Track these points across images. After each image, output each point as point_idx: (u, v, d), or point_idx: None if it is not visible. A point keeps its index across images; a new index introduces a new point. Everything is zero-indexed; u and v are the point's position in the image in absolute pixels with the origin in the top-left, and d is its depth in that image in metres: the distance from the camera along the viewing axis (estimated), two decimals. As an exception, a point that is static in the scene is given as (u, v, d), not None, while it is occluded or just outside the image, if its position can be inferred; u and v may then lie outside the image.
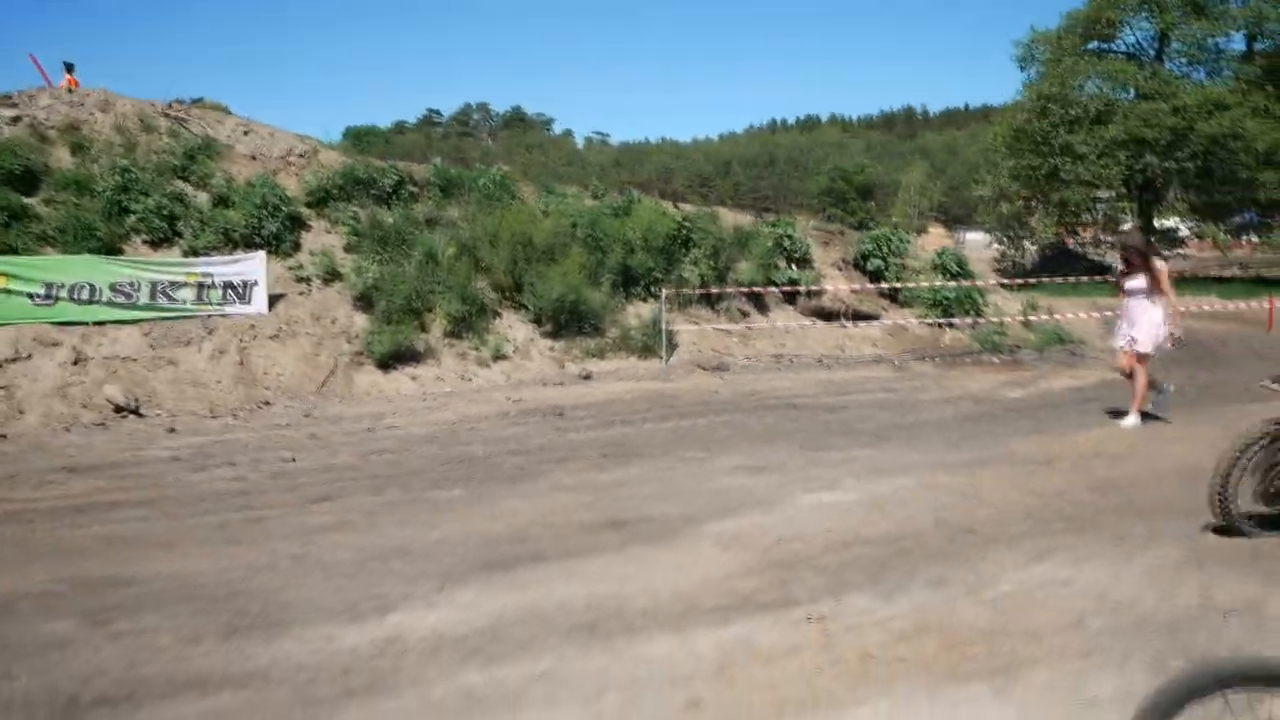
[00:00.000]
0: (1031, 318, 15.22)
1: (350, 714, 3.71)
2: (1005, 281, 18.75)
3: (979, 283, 16.27)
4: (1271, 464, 5.14)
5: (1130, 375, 8.84)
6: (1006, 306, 15.95)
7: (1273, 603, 4.63)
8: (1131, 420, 8.79)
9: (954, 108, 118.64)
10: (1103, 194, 31.20)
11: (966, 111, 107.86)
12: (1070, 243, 33.27)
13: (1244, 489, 5.20)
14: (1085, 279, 19.65)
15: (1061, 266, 25.83)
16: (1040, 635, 4.39)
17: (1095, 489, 6.73)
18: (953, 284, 15.49)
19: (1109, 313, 16.30)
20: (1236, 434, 5.24)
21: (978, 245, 32.07)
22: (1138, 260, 8.70)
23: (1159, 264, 8.84)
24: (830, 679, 3.99)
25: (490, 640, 4.41)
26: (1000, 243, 33.68)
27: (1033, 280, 17.88)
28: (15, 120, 14.06)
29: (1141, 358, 8.70)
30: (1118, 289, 9.22)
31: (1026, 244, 33.18)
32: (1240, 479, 5.15)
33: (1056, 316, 15.68)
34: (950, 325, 15.28)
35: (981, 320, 15.07)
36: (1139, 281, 8.65)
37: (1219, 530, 5.19)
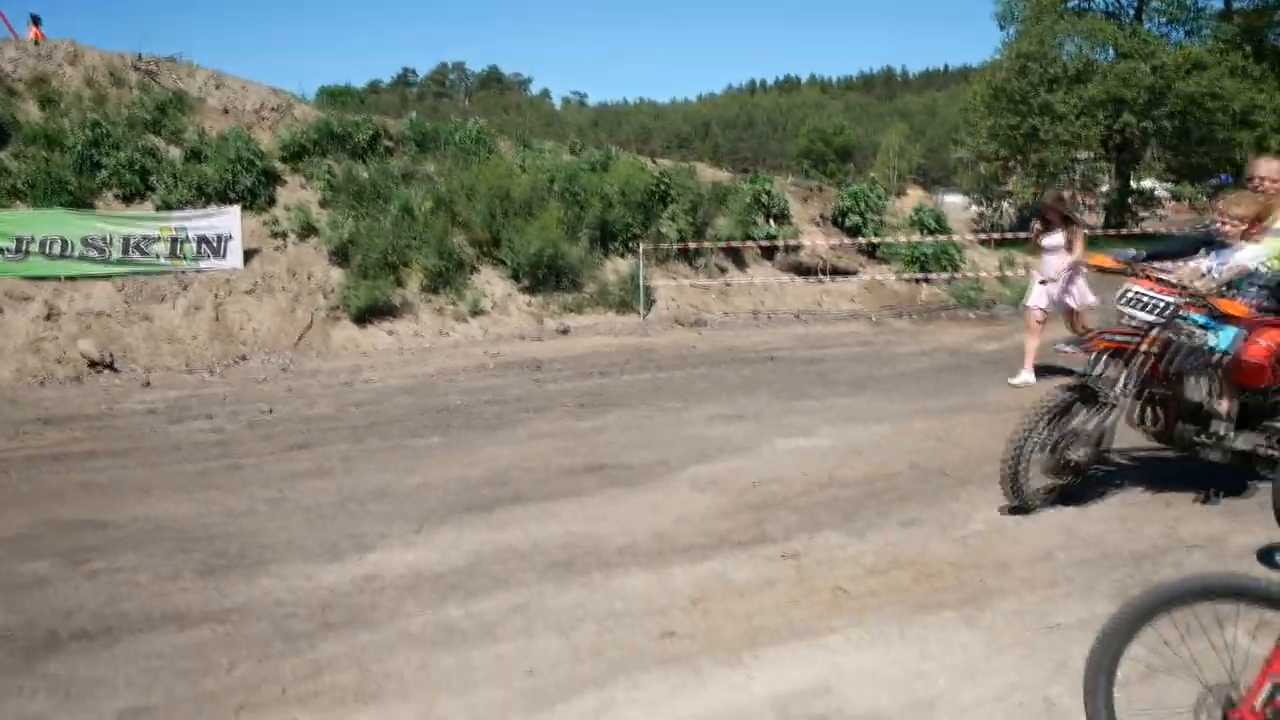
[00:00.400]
0: (1008, 274, 15.30)
1: (329, 646, 3.76)
2: (983, 237, 18.81)
3: (956, 238, 16.31)
4: (1061, 436, 4.97)
5: (1077, 330, 8.81)
6: (983, 263, 16.02)
7: (1235, 538, 4.77)
8: (1024, 376, 8.74)
9: (934, 69, 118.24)
10: (1081, 155, 31.30)
11: (946, 73, 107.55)
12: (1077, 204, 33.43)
13: (1035, 464, 5.00)
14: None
15: (1038, 227, 26.02)
16: (1009, 568, 4.50)
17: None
18: (930, 240, 15.53)
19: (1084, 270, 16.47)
20: (1024, 410, 5.03)
21: (956, 208, 32.08)
22: (1055, 219, 8.92)
23: (1076, 224, 9.10)
24: (803, 610, 4.08)
25: (468, 577, 4.46)
26: (979, 204, 33.77)
27: (1010, 236, 17.93)
28: (-20, 72, 13.71)
29: (1080, 314, 8.73)
30: (1034, 247, 9.46)
31: (1005, 205, 33.30)
32: (1031, 455, 4.95)
33: (1034, 273, 15.76)
34: (927, 281, 15.35)
35: (958, 276, 15.13)
36: (1055, 239, 8.82)
37: (1014, 510, 5.01)
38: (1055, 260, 8.82)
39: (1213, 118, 27.74)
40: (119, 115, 13.74)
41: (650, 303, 13.71)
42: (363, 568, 4.58)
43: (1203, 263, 5.26)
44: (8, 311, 11.05)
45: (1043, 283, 8.83)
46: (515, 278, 13.56)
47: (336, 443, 7.16)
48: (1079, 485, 5.27)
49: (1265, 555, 4.50)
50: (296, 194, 13.83)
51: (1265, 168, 5.71)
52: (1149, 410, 5.21)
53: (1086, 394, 4.99)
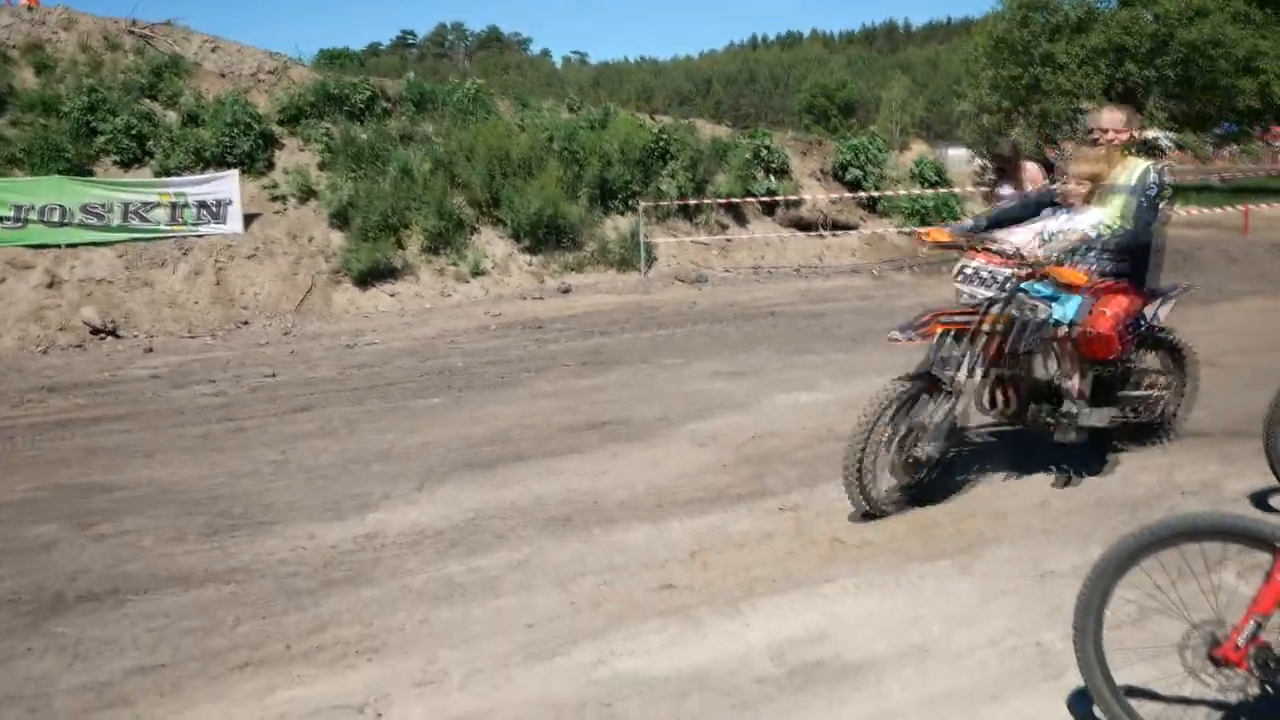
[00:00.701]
0: (1011, 226, 15.20)
1: (332, 603, 3.81)
2: (985, 189, 18.64)
3: (957, 190, 16.18)
4: (906, 431, 4.45)
5: None
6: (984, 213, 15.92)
7: (1230, 483, 4.79)
8: None
9: (936, 21, 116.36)
10: (1084, 105, 30.87)
11: (949, 25, 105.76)
12: (1052, 154, 33.04)
13: (882, 463, 4.45)
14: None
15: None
16: (1005, 517, 4.53)
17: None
18: (931, 192, 15.41)
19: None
20: (863, 408, 4.42)
21: (960, 162, 31.74)
22: (1009, 168, 8.23)
23: (1030, 170, 8.71)
24: (801, 561, 4.12)
25: (469, 534, 4.51)
26: (981, 157, 33.41)
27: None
28: (-27, 39, 13.59)
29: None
30: (992, 199, 8.98)
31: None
32: (876, 454, 4.38)
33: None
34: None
35: (961, 229, 15.05)
36: (1010, 190, 8.18)
37: (866, 516, 4.46)
38: None
39: (1215, 65, 27.25)
40: (115, 80, 13.64)
41: (651, 260, 13.67)
42: (365, 526, 4.63)
43: (1049, 224, 4.74)
44: (10, 280, 11.06)
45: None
46: (516, 237, 13.52)
47: (339, 404, 7.20)
48: (935, 478, 4.72)
49: (1259, 500, 4.53)
50: (295, 157, 13.75)
51: (1108, 118, 5.05)
52: (998, 393, 4.85)
53: (928, 382, 4.49)
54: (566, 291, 12.68)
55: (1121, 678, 2.63)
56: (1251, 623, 2.35)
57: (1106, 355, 4.70)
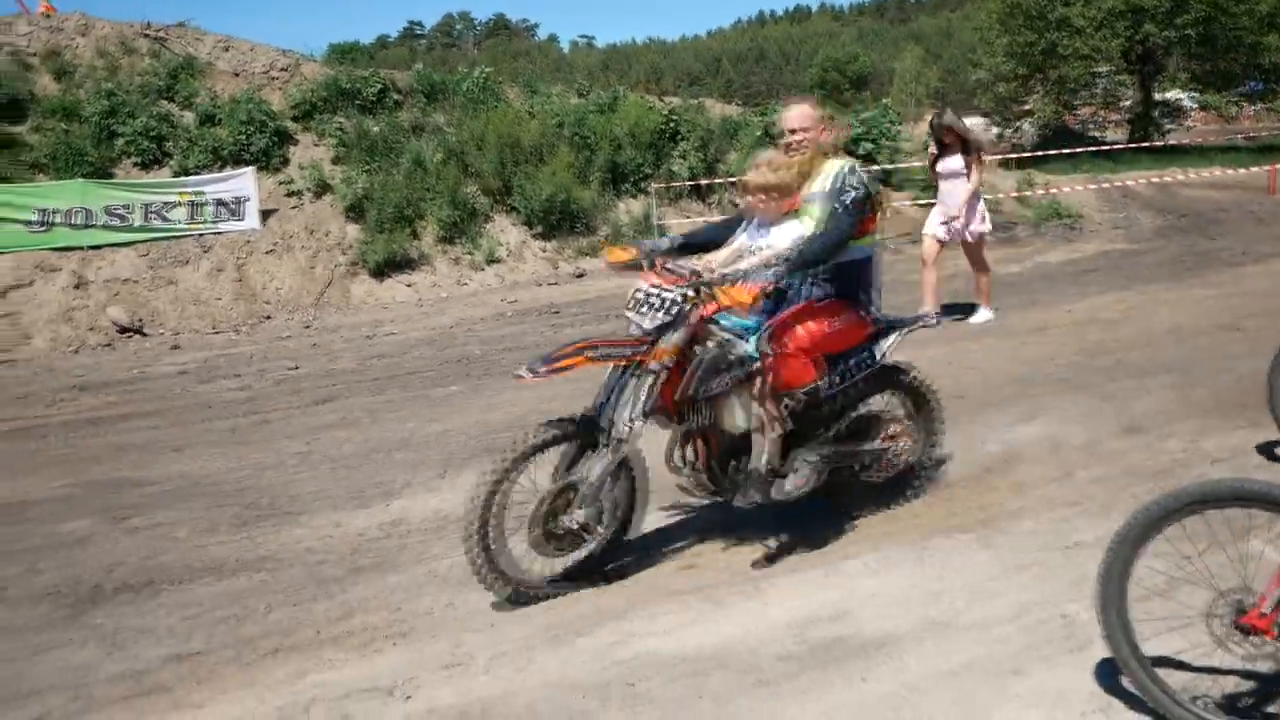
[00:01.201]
0: (1027, 193, 15.03)
1: (360, 589, 3.88)
2: (1001, 156, 18.43)
3: (973, 161, 15.99)
4: (551, 494, 3.52)
5: (930, 265, 8.29)
6: (1002, 184, 15.74)
7: (1259, 450, 4.73)
8: (983, 315, 8.26)
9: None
10: (1102, 69, 30.35)
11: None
12: (1071, 121, 32.50)
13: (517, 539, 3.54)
14: (1083, 151, 19.23)
15: (1061, 146, 25.38)
16: (1028, 488, 4.50)
17: (1086, 352, 6.80)
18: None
19: (1106, 184, 16.15)
20: (485, 464, 3.62)
21: (976, 130, 31.37)
22: (952, 140, 8.12)
23: (975, 142, 8.29)
24: (819, 538, 4.13)
25: (493, 518, 4.55)
26: (997, 125, 32.98)
27: (1028, 155, 17.54)
28: (-4, 48, 13.78)
29: (976, 244, 8.19)
30: (930, 172, 8.63)
31: (1025, 125, 32.48)
32: (503, 520, 3.47)
33: (1054, 191, 15.50)
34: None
35: (977, 199, 14.90)
36: (953, 163, 8.09)
37: (514, 602, 3.53)
38: (953, 187, 8.08)
39: (1238, 22, 26.70)
40: (132, 84, 13.77)
41: (666, 243, 13.63)
42: (389, 514, 4.70)
43: (755, 241, 3.99)
44: (38, 283, 11.23)
45: (943, 222, 8.15)
46: (529, 224, 13.55)
47: (360, 395, 7.28)
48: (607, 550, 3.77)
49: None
50: (309, 152, 13.84)
51: (795, 115, 4.07)
52: (688, 448, 3.90)
53: (585, 429, 3.64)
54: (581, 276, 12.71)
55: (1151, 648, 2.59)
56: (1278, 589, 2.33)
57: (801, 382, 3.81)
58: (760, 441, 3.81)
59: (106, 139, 12.82)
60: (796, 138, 4.00)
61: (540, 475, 3.59)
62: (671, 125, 14.79)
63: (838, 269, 3.92)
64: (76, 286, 11.28)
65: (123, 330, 10.76)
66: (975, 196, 8.10)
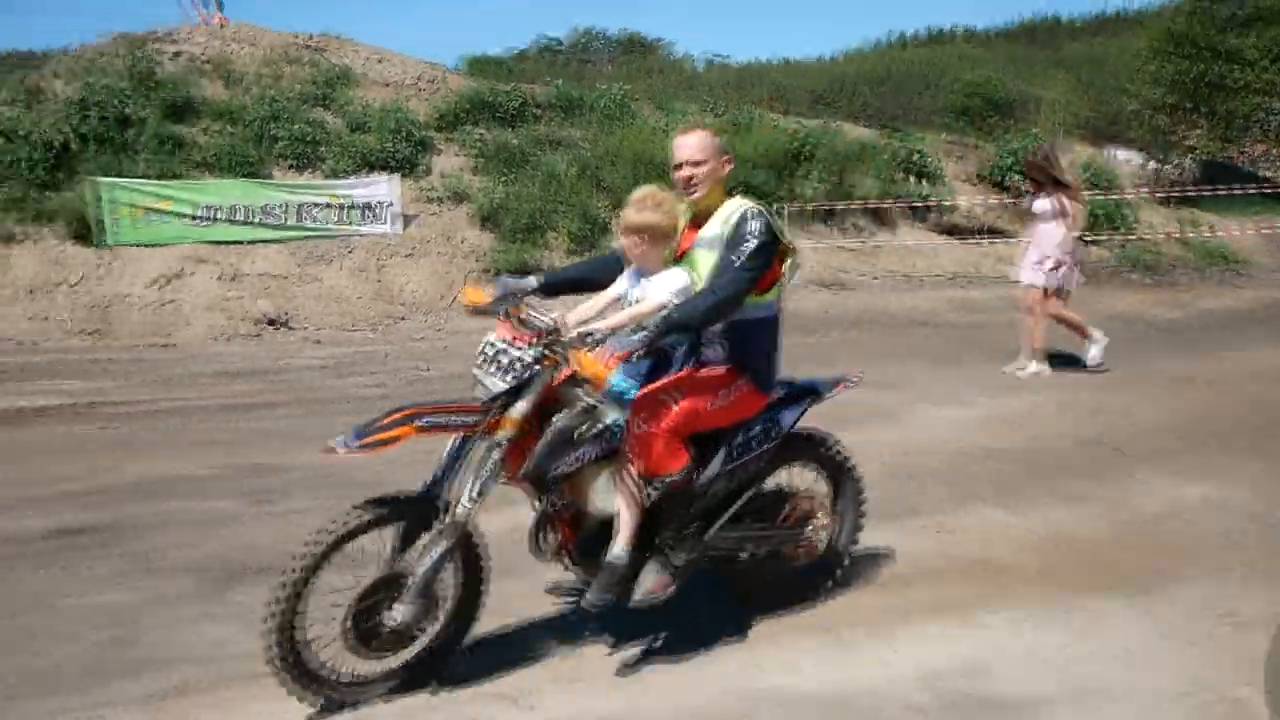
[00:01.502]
0: (1190, 235, 14.14)
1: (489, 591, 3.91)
2: (1160, 194, 17.40)
3: (1129, 196, 15.18)
4: (369, 588, 3.07)
5: (1035, 314, 7.77)
6: (1160, 223, 14.87)
7: None
8: (1033, 367, 7.74)
9: (1101, 13, 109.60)
10: (1276, 104, 28.35)
11: (1118, 18, 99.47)
12: (1239, 159, 30.45)
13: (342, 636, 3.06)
14: (1254, 189, 17.89)
15: (1227, 184, 23.83)
16: (1188, 552, 4.20)
17: (1249, 408, 6.32)
18: (1099, 198, 14.52)
19: (1275, 229, 15.03)
20: (293, 550, 3.08)
21: (1128, 164, 29.79)
22: (1042, 179, 7.64)
23: (1068, 182, 7.72)
24: (954, 587, 3.94)
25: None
26: (1155, 159, 31.24)
27: (1191, 193, 16.48)
28: (176, 55, 14.88)
29: (1047, 293, 7.65)
30: (1027, 215, 8.11)
31: (1186, 161, 30.64)
32: (309, 615, 3.02)
33: (1219, 233, 14.53)
34: (1095, 243, 14.39)
35: (1131, 237, 14.10)
36: (1044, 205, 7.61)
37: (329, 709, 3.05)
38: (1047, 230, 7.64)
39: None
40: (292, 91, 14.60)
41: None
42: (512, 512, 4.74)
43: (632, 292, 3.36)
44: (198, 274, 11.99)
45: (1038, 263, 7.69)
46: (657, 241, 13.59)
47: (488, 400, 7.42)
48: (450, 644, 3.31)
49: None
50: (450, 161, 14.33)
51: (690, 147, 3.36)
52: (548, 531, 3.37)
53: (417, 507, 3.23)
54: (708, 295, 12.66)
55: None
56: None
57: (665, 470, 3.18)
58: (619, 526, 3.24)
59: (266, 142, 13.61)
60: (685, 172, 3.32)
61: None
62: (802, 146, 14.62)
63: (732, 329, 3.29)
64: (231, 279, 11.98)
65: (270, 323, 11.35)
66: (1069, 242, 7.61)
